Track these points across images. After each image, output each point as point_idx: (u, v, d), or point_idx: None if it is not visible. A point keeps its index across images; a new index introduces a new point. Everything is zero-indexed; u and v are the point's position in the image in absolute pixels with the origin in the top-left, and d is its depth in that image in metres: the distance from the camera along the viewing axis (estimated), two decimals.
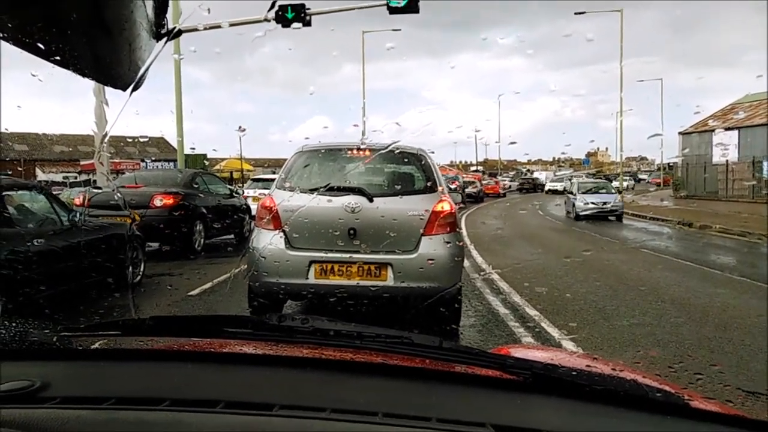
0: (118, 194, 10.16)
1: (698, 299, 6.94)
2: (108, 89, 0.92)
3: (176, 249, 10.26)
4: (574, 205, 20.95)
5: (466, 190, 31.01)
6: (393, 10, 14.06)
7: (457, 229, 4.94)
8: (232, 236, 12.30)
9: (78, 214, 6.31)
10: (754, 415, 1.09)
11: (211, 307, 6.27)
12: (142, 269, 7.46)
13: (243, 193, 15.56)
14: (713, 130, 34.14)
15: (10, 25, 0.74)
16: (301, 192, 4.75)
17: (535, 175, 60.67)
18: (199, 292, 6.90)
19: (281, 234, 4.67)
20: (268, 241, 4.66)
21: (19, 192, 6.17)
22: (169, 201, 9.99)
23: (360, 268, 4.57)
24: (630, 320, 5.83)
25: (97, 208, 9.22)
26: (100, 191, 10.48)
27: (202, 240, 10.66)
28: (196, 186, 11.18)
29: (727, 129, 33.22)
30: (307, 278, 4.58)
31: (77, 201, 10.66)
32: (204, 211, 10.77)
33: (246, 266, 4.98)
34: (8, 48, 0.75)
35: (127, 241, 7.10)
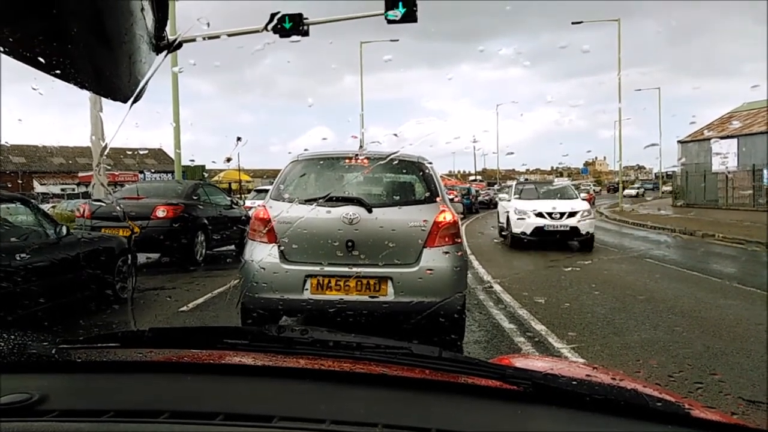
0: (119, 206, 10.16)
1: (709, 311, 6.73)
2: (108, 101, 0.92)
3: (177, 260, 10.25)
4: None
5: (479, 198, 35.13)
6: (391, 22, 14.12)
7: (459, 240, 4.69)
8: (233, 247, 12.30)
9: (64, 228, 6.20)
10: (755, 424, 1.08)
11: (210, 320, 6.22)
12: (132, 283, 7.23)
13: (244, 204, 15.57)
14: (710, 139, 34.27)
15: (11, 39, 0.74)
16: (297, 203, 4.55)
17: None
18: (199, 304, 6.87)
19: (275, 247, 4.46)
20: (261, 254, 4.45)
21: (3, 205, 5.95)
22: (171, 212, 10.00)
23: (359, 283, 4.33)
24: (641, 334, 5.60)
25: (97, 220, 9.23)
26: (100, 203, 10.45)
27: (204, 251, 10.67)
28: (196, 197, 11.19)
29: (725, 137, 33.36)
30: (303, 293, 4.35)
31: (78, 213, 10.65)
32: (205, 222, 10.78)
33: (240, 281, 4.75)
34: (9, 61, 0.76)
35: (118, 255, 6.94)
